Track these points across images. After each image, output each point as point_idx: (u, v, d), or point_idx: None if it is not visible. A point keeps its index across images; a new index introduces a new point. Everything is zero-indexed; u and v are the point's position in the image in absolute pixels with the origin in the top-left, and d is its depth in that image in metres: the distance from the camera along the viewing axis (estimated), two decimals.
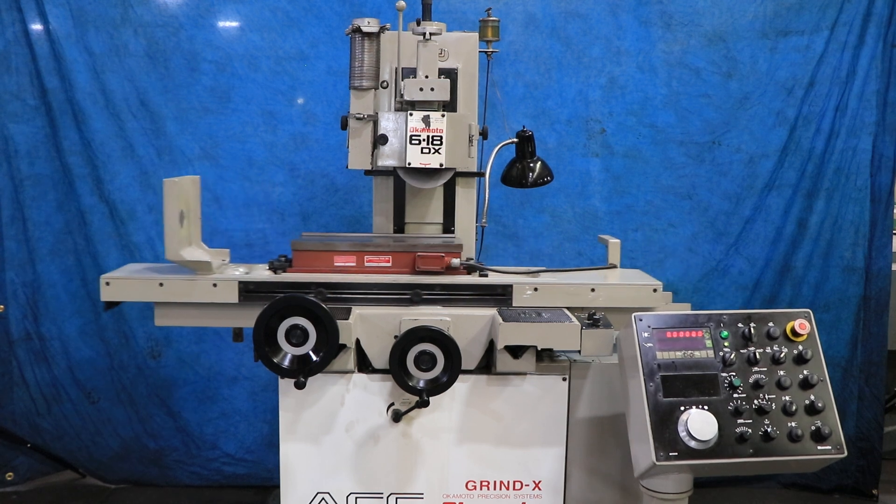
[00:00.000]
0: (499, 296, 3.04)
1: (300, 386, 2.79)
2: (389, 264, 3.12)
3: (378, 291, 3.02)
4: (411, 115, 3.07)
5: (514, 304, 3.02)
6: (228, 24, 4.39)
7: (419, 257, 3.08)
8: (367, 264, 3.13)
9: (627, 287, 3.09)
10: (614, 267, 3.32)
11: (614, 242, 3.35)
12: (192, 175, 3.22)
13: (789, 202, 4.50)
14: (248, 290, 2.97)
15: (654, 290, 3.06)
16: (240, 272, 3.10)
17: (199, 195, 3.23)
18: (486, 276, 3.11)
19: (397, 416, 2.94)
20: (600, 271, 3.31)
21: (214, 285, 2.97)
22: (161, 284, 2.97)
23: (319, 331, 2.80)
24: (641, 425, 2.52)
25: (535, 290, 3.03)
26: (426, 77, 3.10)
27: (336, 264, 3.12)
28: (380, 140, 3.10)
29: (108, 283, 2.99)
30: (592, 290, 3.04)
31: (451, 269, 3.10)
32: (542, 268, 3.25)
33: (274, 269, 3.12)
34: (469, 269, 3.13)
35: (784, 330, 2.62)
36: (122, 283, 3.00)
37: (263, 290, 2.97)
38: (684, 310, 3.12)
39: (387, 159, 3.12)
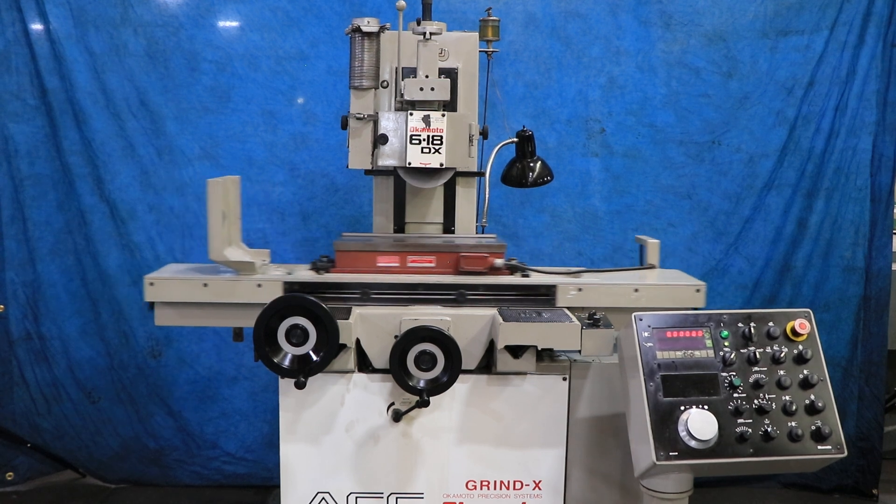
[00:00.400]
0: (543, 296, 3.03)
1: (300, 386, 2.79)
2: (433, 265, 3.12)
3: (422, 292, 3.03)
4: (411, 114, 3.07)
5: (557, 305, 3.01)
6: (228, 23, 4.39)
7: (463, 257, 3.09)
8: (409, 264, 3.13)
9: (671, 287, 3.08)
10: (653, 267, 3.31)
11: (653, 243, 3.33)
12: (232, 175, 3.21)
13: (789, 202, 4.50)
14: (293, 291, 2.97)
15: (697, 291, 3.05)
16: (281, 272, 3.10)
17: (239, 195, 3.23)
18: (527, 276, 3.11)
19: (397, 416, 2.93)
20: (640, 271, 3.30)
21: (259, 286, 2.97)
22: (205, 285, 2.97)
23: (319, 331, 2.80)
24: (641, 425, 2.52)
25: (580, 290, 3.02)
26: (426, 77, 3.09)
27: (379, 264, 3.12)
28: (380, 140, 3.10)
29: (151, 284, 2.98)
30: (636, 290, 3.03)
31: (494, 270, 3.10)
32: (582, 268, 3.25)
33: (317, 269, 3.12)
34: (511, 270, 3.13)
35: (784, 330, 2.62)
36: (167, 284, 2.99)
37: (308, 290, 2.97)
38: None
39: (387, 159, 3.12)
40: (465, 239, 3.38)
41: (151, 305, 3.04)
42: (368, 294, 3.00)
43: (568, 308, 2.99)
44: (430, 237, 3.43)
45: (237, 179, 3.20)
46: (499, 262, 3.11)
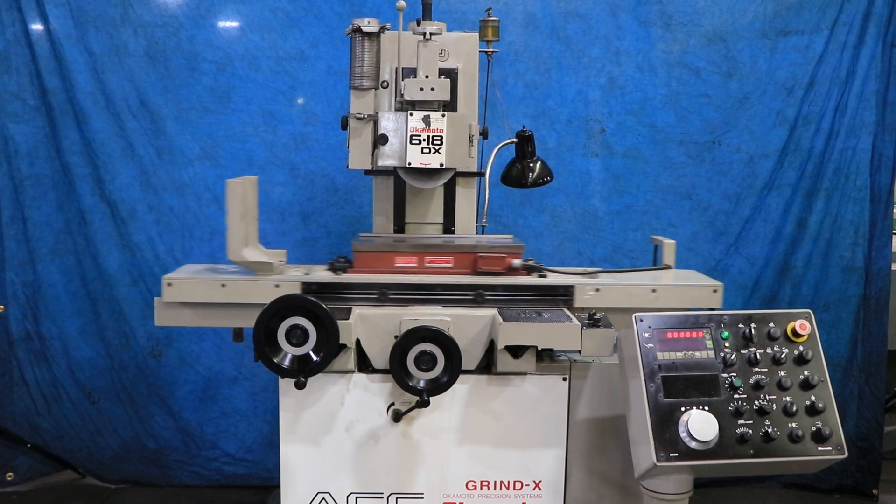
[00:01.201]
0: (561, 296, 3.03)
1: (300, 386, 2.79)
2: (451, 265, 3.12)
3: (440, 292, 3.02)
4: (411, 114, 3.07)
5: (575, 305, 3.01)
6: (228, 24, 4.39)
7: (481, 258, 3.09)
8: (427, 265, 3.13)
9: (689, 288, 3.08)
10: (668, 267, 3.31)
11: (669, 243, 3.34)
12: (251, 175, 3.20)
13: (789, 202, 4.50)
14: (311, 291, 2.98)
15: (715, 291, 3.05)
16: (299, 273, 3.11)
17: (256, 196, 3.22)
18: (544, 276, 3.10)
19: (397, 416, 2.93)
20: (656, 272, 3.30)
21: (277, 286, 2.98)
22: (223, 285, 2.97)
23: (319, 331, 2.80)
24: (642, 426, 2.52)
25: (597, 290, 3.02)
26: (426, 77, 3.09)
27: (397, 265, 3.13)
28: (380, 140, 3.10)
29: (170, 284, 2.97)
30: (654, 290, 3.03)
31: (511, 270, 3.10)
32: (598, 268, 3.25)
33: (335, 269, 3.13)
34: (528, 270, 3.13)
35: (785, 330, 2.62)
36: (185, 284, 2.99)
37: (326, 290, 2.98)
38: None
39: (387, 159, 3.12)
40: (482, 239, 3.38)
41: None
42: (386, 294, 3.00)
43: (585, 308, 2.98)
44: (448, 238, 3.43)
45: (255, 180, 3.19)
46: (516, 262, 3.11)
